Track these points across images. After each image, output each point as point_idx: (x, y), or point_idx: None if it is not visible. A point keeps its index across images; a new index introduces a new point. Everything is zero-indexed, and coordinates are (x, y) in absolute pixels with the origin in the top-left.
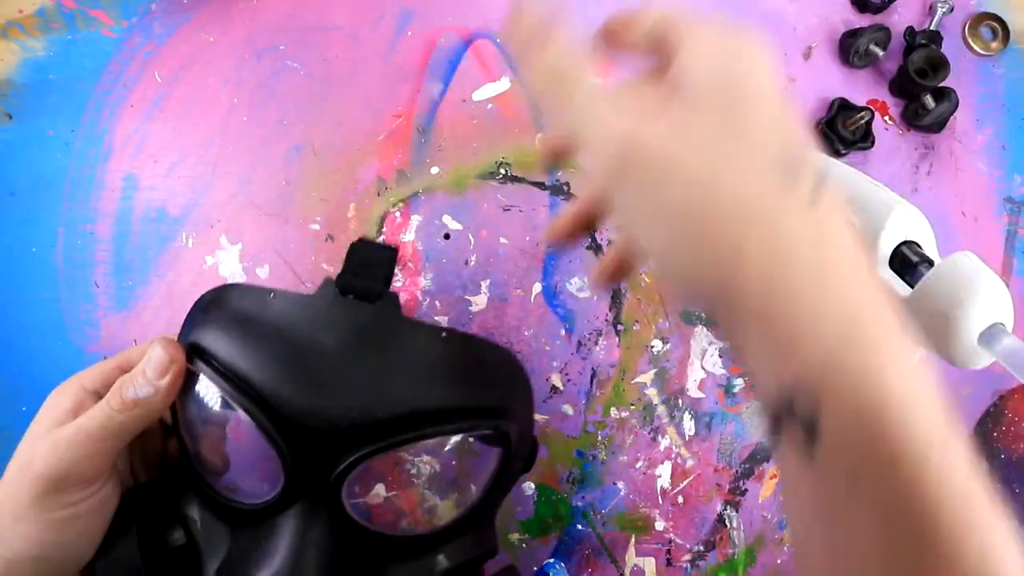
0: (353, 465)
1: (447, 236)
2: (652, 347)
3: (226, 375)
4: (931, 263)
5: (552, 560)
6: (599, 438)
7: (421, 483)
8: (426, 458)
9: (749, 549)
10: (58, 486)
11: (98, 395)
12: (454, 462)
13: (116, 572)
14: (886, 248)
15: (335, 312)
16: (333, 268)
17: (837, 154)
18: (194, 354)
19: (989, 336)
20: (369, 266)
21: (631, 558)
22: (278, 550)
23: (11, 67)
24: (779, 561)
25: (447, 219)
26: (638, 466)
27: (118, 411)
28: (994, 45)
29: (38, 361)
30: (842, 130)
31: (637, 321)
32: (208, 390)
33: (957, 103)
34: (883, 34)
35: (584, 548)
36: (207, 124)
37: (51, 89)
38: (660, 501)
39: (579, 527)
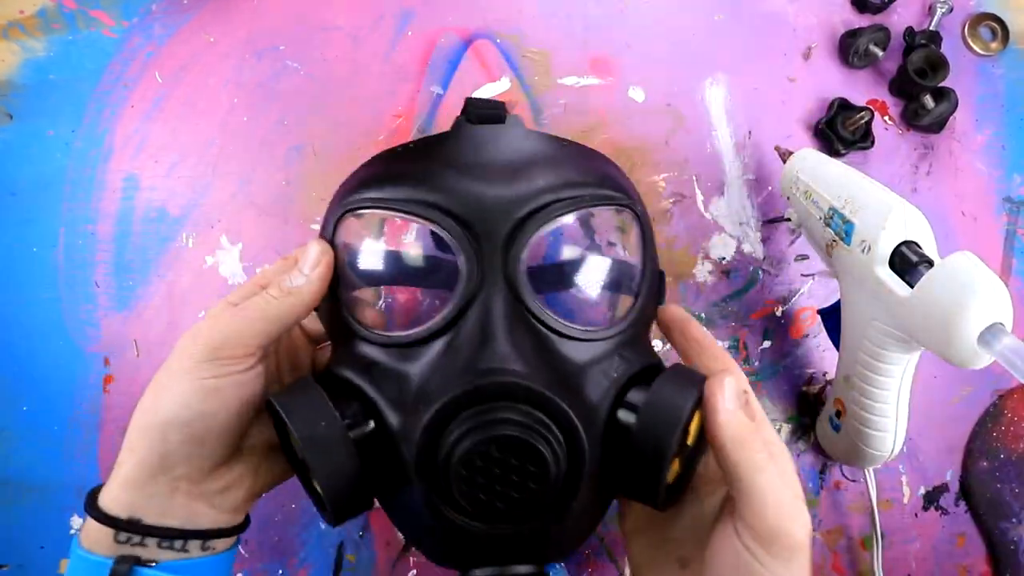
0: (530, 232)
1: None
2: None
3: (393, 203)
4: (931, 263)
5: None
6: None
7: (587, 277)
8: (587, 248)
9: None
10: (216, 353)
11: None
12: (607, 247)
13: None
14: (886, 248)
15: (474, 136)
16: None
17: (837, 154)
18: (351, 210)
19: (988, 336)
20: (487, 104)
21: None
22: (473, 336)
23: (12, 68)
24: None
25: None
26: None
27: (275, 297)
28: (993, 45)
29: (39, 361)
30: (842, 130)
31: None
32: (379, 229)
33: (956, 103)
34: (883, 34)
35: (584, 548)
36: (207, 124)
37: (52, 89)
38: None
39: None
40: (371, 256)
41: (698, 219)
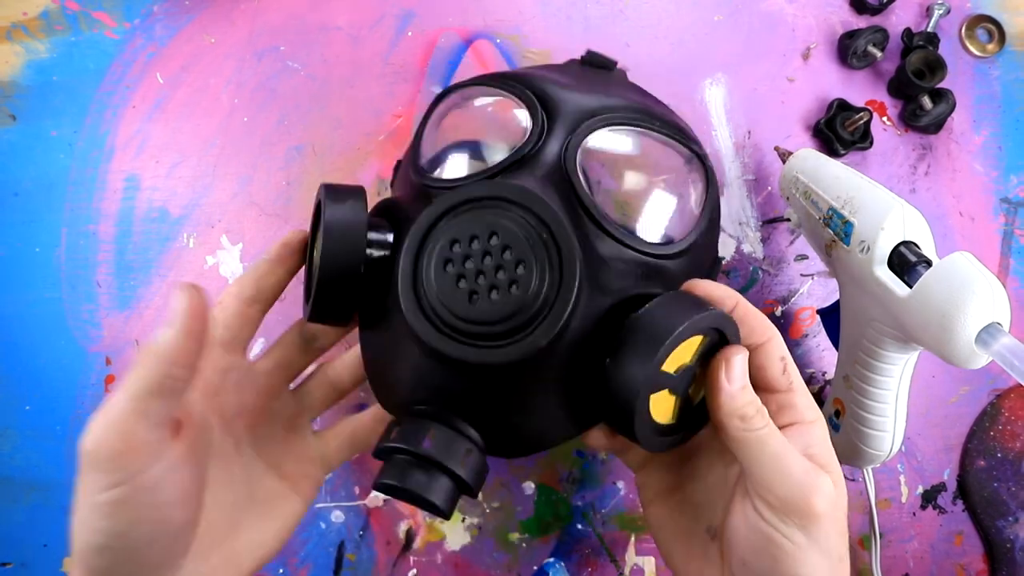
0: (598, 125)
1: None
2: None
3: (482, 80)
4: (929, 263)
5: (552, 559)
6: None
7: (641, 193)
8: (649, 165)
9: None
10: (99, 462)
11: None
12: (670, 175)
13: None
14: (885, 248)
15: (580, 70)
16: None
17: (836, 154)
18: (449, 90)
19: (986, 336)
20: (600, 56)
21: (631, 557)
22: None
23: (15, 69)
24: None
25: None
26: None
27: (143, 364)
28: (990, 47)
29: (41, 360)
30: (841, 130)
31: None
32: (465, 94)
33: (954, 104)
34: (881, 35)
35: (584, 547)
36: (208, 125)
37: (54, 90)
38: None
39: (579, 526)
40: (454, 111)
41: None
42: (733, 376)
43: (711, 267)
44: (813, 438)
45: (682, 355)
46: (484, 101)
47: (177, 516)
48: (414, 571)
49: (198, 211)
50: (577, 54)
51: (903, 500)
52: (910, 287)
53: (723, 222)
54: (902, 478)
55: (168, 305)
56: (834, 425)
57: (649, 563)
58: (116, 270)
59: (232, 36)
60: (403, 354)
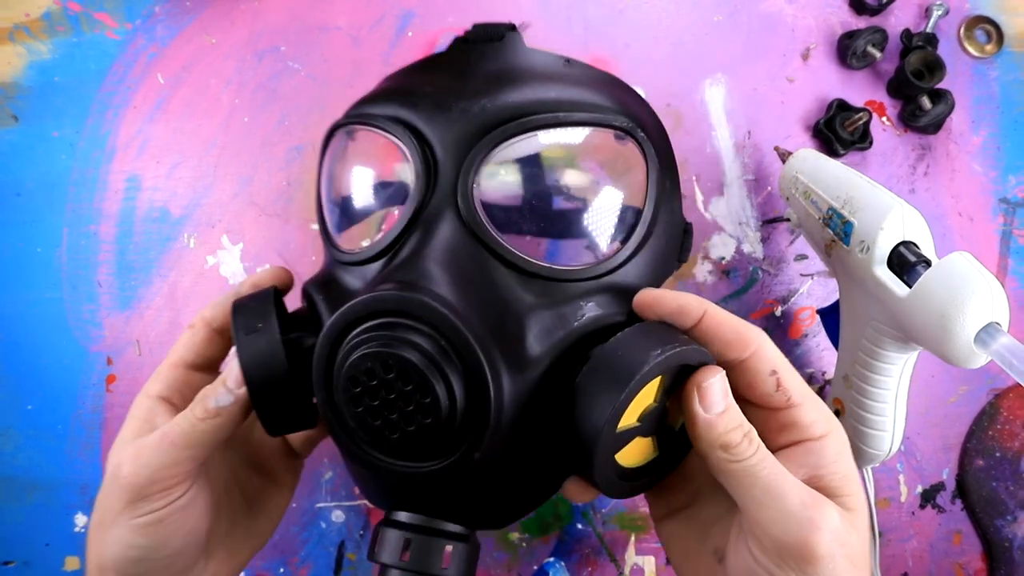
0: (488, 147)
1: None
2: None
3: (359, 117)
4: (928, 263)
5: (552, 559)
6: None
7: (558, 206)
8: (565, 170)
9: None
10: (142, 493)
11: (165, 399)
12: (592, 175)
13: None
14: (884, 248)
15: (467, 53)
16: None
17: (835, 154)
18: (338, 126)
19: (985, 335)
20: (487, 25)
21: (631, 557)
22: (405, 253)
23: (18, 70)
24: None
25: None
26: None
27: (200, 420)
28: (989, 48)
29: (42, 360)
30: (840, 131)
31: None
32: (347, 143)
33: (953, 105)
34: (880, 36)
35: (584, 547)
36: (209, 125)
37: (56, 91)
38: None
39: (579, 526)
40: (339, 171)
41: (698, 219)
42: (709, 403)
43: (683, 239)
44: (823, 457)
45: (643, 400)
46: (367, 148)
47: (203, 526)
48: None
49: (199, 211)
50: (578, 54)
51: (902, 499)
52: (909, 287)
53: (723, 222)
54: (901, 477)
55: (232, 370)
56: None
57: (649, 563)
58: (117, 270)
59: (233, 36)
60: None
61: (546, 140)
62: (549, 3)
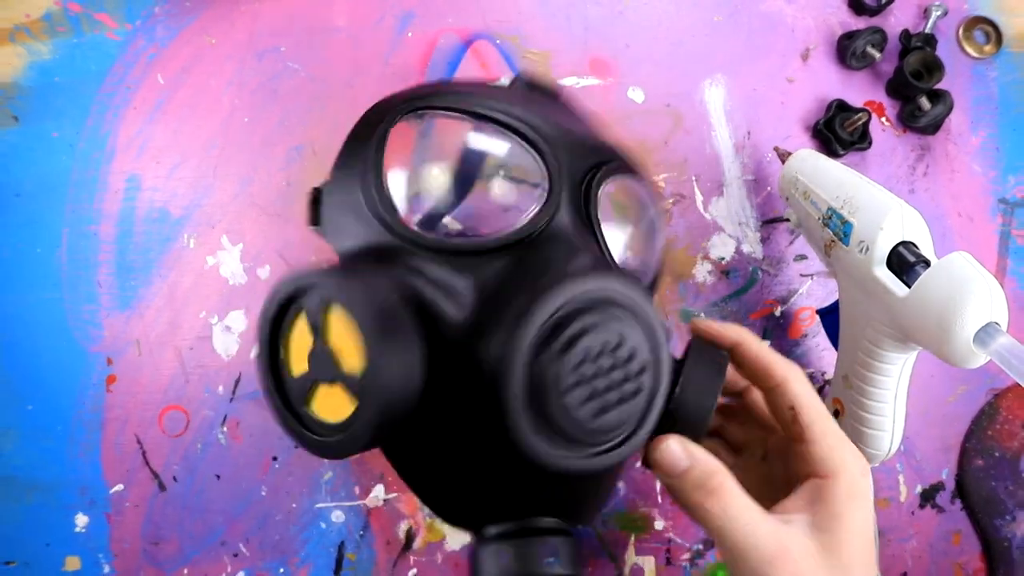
0: (605, 176)
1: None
2: None
3: (477, 108)
4: (927, 263)
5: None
6: None
7: (634, 231)
8: (635, 204)
9: None
10: None
11: None
12: (647, 210)
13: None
14: (884, 248)
15: (542, 101)
16: None
17: (835, 155)
18: (424, 107)
19: (984, 335)
20: (542, 84)
21: (631, 557)
22: (554, 252)
23: (18, 70)
24: None
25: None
26: (638, 465)
27: None
28: (987, 48)
29: (42, 360)
30: (840, 131)
31: None
32: (444, 132)
33: (952, 105)
34: (879, 36)
35: (584, 547)
36: (209, 125)
37: (56, 92)
38: (660, 500)
39: (579, 526)
40: (436, 152)
41: (697, 219)
42: (669, 466)
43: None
44: (823, 494)
45: None
46: (483, 141)
47: None
48: (414, 571)
49: (199, 212)
50: (577, 54)
51: (902, 499)
52: (909, 287)
53: (723, 222)
54: (901, 477)
55: None
56: None
57: (649, 563)
58: (117, 270)
59: (233, 37)
60: (481, 468)
61: (628, 179)
62: (549, 3)
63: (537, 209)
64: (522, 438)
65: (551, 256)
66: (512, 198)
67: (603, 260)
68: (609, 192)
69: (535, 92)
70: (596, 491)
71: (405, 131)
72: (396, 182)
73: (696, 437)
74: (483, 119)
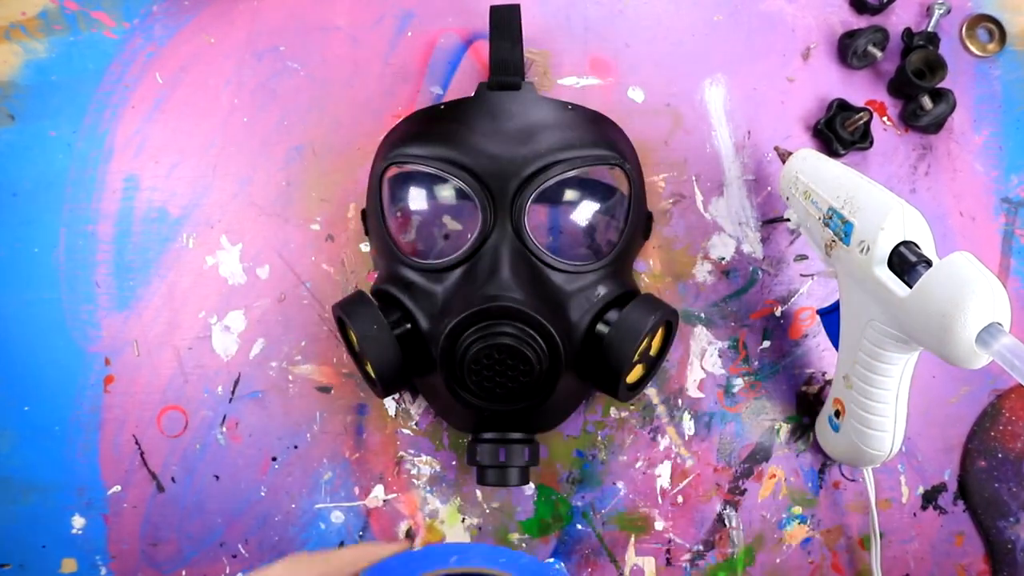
0: (533, 189)
1: (447, 236)
2: None
3: (426, 160)
4: (929, 263)
5: (552, 560)
6: (599, 438)
7: (578, 220)
8: (579, 199)
9: (748, 548)
10: None
11: None
12: (597, 198)
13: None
14: (885, 248)
15: (493, 101)
16: (333, 268)
17: (836, 154)
18: (395, 162)
19: (986, 336)
20: (506, 71)
21: (631, 557)
22: (484, 268)
23: (14, 69)
24: (778, 560)
25: (447, 220)
26: (638, 466)
27: None
28: (991, 47)
29: (40, 361)
30: (841, 130)
31: None
32: (416, 179)
33: (954, 104)
34: (881, 35)
35: (584, 548)
36: (208, 125)
37: (53, 90)
38: (660, 501)
39: (579, 527)
40: (412, 200)
41: (697, 219)
42: None
43: (647, 224)
44: None
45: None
46: (440, 189)
47: None
48: None
49: (198, 211)
50: (577, 54)
51: (904, 500)
52: (910, 287)
53: (723, 222)
54: (902, 478)
55: None
56: (834, 425)
57: (649, 563)
58: (115, 270)
59: (231, 36)
60: (456, 402)
61: (568, 176)
62: (549, 3)
63: (476, 233)
64: (455, 393)
65: (478, 272)
66: (463, 226)
67: (521, 269)
68: (547, 188)
69: (504, 91)
70: (546, 414)
71: (395, 174)
72: (393, 217)
73: (620, 371)
74: (438, 169)
